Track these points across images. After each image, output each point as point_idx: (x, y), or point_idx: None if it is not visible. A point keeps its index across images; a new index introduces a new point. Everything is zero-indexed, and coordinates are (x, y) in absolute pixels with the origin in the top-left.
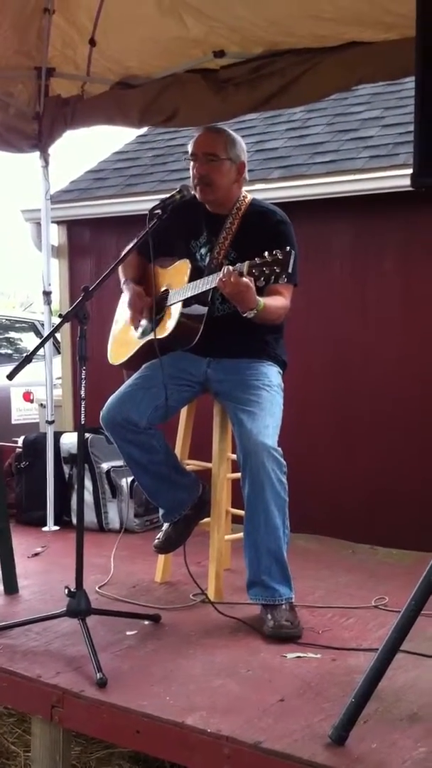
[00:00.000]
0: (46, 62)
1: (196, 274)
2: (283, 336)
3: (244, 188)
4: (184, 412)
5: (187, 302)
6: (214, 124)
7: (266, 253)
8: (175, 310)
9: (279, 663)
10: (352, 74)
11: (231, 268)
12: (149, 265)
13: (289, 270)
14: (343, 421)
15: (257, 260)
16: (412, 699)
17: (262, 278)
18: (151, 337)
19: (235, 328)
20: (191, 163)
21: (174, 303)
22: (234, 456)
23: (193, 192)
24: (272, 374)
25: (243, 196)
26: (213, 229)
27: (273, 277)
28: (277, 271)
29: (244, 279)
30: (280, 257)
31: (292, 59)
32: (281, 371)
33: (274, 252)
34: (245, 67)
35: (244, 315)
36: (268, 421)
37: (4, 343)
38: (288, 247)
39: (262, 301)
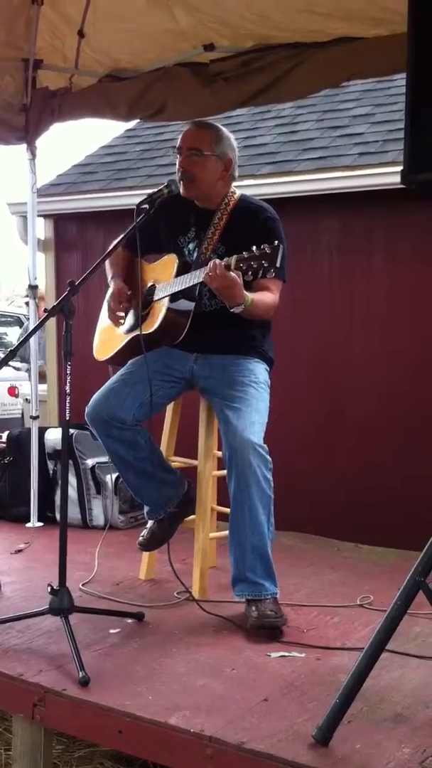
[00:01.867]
0: (34, 54)
1: (183, 269)
2: (270, 333)
3: (234, 183)
4: (170, 408)
5: (174, 297)
6: (203, 118)
7: (254, 248)
8: (161, 306)
9: (263, 662)
10: (342, 70)
11: (218, 261)
12: (136, 261)
13: (277, 264)
14: (329, 419)
15: (245, 254)
16: (397, 699)
17: (250, 272)
18: (137, 332)
19: (222, 324)
20: (178, 157)
21: (160, 298)
22: (220, 453)
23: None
24: (259, 371)
25: (231, 192)
26: (201, 225)
27: (261, 271)
28: (265, 265)
29: (231, 273)
30: (267, 251)
31: (282, 54)
32: (268, 368)
33: (261, 246)
34: (235, 61)
35: (232, 310)
36: (255, 418)
37: None
38: (276, 242)
39: (250, 296)
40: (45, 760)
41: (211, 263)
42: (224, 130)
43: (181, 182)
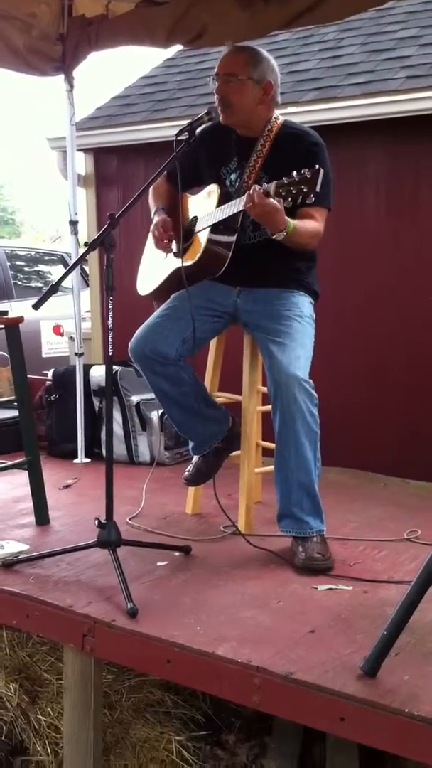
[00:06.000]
0: None
1: (224, 200)
2: (315, 265)
3: (277, 111)
4: (213, 343)
5: (216, 228)
6: (243, 42)
7: (294, 173)
8: (202, 237)
9: (310, 595)
10: None
11: (257, 187)
12: (178, 194)
13: (317, 189)
14: (376, 355)
15: (285, 180)
16: None
17: (290, 198)
18: (178, 265)
19: (266, 257)
20: (216, 84)
21: (201, 229)
22: (264, 388)
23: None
24: (304, 304)
25: (275, 118)
26: (243, 154)
27: (300, 196)
28: (305, 190)
29: (271, 200)
30: (308, 176)
31: None
32: (313, 301)
33: (302, 171)
34: None
35: (274, 237)
36: (299, 352)
37: (34, 276)
38: (317, 166)
39: (293, 222)
40: (96, 689)
41: (250, 190)
42: (263, 52)
43: (219, 109)
